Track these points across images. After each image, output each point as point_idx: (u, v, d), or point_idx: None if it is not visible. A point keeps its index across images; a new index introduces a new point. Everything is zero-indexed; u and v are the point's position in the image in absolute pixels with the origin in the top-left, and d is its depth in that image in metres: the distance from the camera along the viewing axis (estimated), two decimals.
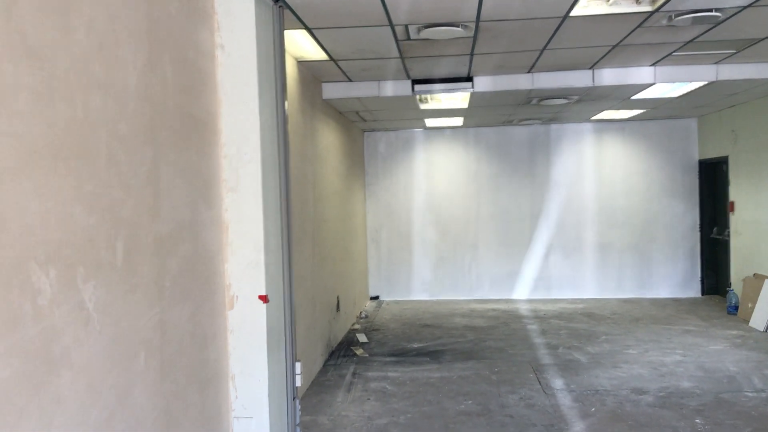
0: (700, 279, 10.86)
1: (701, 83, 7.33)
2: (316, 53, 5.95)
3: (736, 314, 9.13)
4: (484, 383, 6.29)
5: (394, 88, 7.35)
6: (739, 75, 7.03)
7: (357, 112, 8.85)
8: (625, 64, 6.96)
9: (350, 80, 7.29)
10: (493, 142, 11.18)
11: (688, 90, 7.78)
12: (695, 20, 5.05)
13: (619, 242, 11.00)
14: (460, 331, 8.69)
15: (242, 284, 4.11)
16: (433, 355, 7.45)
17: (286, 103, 4.57)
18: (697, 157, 10.85)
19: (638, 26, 5.30)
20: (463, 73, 7.08)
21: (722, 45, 6.12)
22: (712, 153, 10.28)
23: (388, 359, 7.29)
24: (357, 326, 9.02)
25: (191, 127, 3.66)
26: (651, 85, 7.25)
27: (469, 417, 5.37)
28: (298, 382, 4.59)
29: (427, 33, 5.22)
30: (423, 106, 8.53)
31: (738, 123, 9.35)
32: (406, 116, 9.42)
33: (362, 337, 8.34)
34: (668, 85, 7.53)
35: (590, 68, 7.09)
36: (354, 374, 6.72)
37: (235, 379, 4.11)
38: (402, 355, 7.45)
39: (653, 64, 6.99)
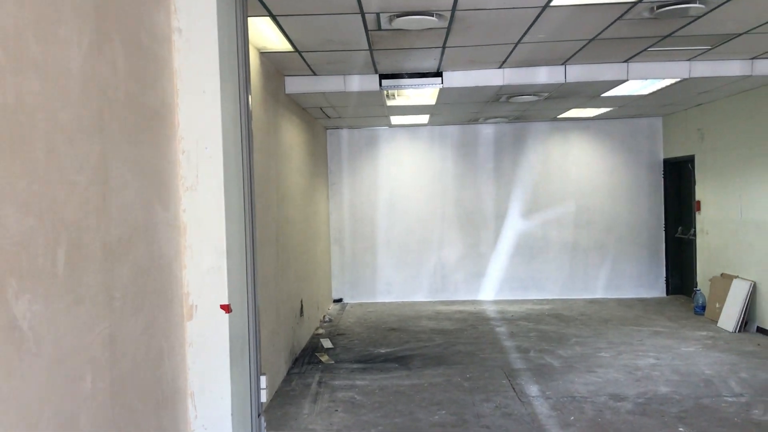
0: (665, 279, 10.81)
1: (674, 80, 7.20)
2: (280, 43, 5.60)
3: (703, 314, 9.07)
4: (457, 391, 6.02)
5: (360, 82, 7.04)
6: (712, 72, 6.91)
7: (321, 108, 8.51)
8: (598, 60, 6.78)
9: (315, 74, 6.95)
10: (458, 141, 10.95)
11: (660, 87, 7.65)
12: (678, 12, 4.86)
13: (585, 242, 10.89)
14: (427, 334, 8.42)
15: (202, 292, 3.75)
16: (401, 360, 7.16)
17: (250, 96, 4.22)
18: (662, 156, 10.79)
19: (619, 18, 5.10)
20: (433, 68, 6.80)
21: (698, 40, 5.97)
22: (678, 152, 10.23)
23: (355, 366, 6.97)
24: (321, 331, 8.68)
25: (145, 118, 3.29)
26: (623, 81, 7.09)
27: (444, 429, 5.09)
28: (264, 398, 4.24)
29: (399, 22, 4.92)
30: (390, 103, 8.23)
31: (704, 122, 9.29)
32: (372, 113, 9.12)
33: (327, 343, 8.00)
34: (640, 82, 7.38)
35: (562, 64, 6.89)
36: (320, 383, 6.39)
37: (194, 396, 3.75)
38: (369, 362, 7.15)
39: (626, 61, 6.83)
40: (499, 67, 6.90)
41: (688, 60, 6.85)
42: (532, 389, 6.00)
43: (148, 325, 3.24)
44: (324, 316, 9.51)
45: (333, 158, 10.97)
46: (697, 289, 9.34)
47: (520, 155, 10.91)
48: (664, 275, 10.81)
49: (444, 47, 5.86)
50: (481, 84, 7.03)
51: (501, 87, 7.20)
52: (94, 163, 2.67)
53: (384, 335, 8.44)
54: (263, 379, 4.24)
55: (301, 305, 7.84)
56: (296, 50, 5.85)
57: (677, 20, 5.22)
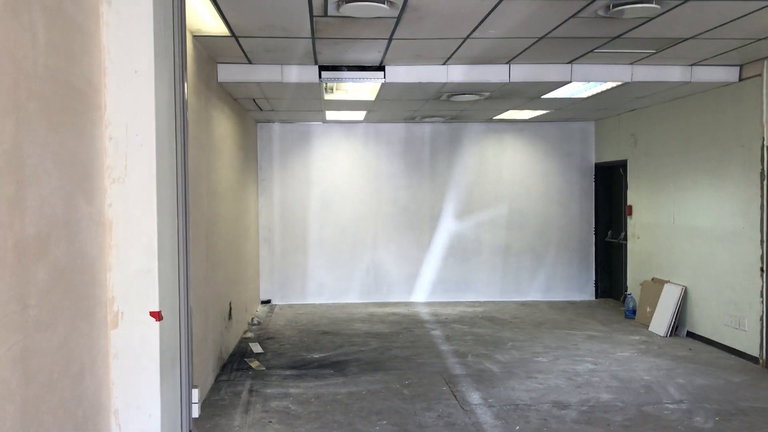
0: (594, 282, 10.90)
1: (615, 84, 7.17)
2: (216, 27, 5.20)
3: (634, 318, 9.16)
4: (397, 399, 5.76)
5: (299, 73, 6.68)
6: (654, 77, 6.92)
7: (254, 100, 8.09)
8: (543, 61, 6.67)
9: (251, 62, 6.55)
10: (394, 139, 10.71)
11: (600, 90, 7.63)
12: (634, 11, 4.75)
13: (518, 245, 10.86)
14: (362, 338, 8.13)
15: (129, 297, 3.34)
16: (336, 366, 6.84)
17: (186, 80, 3.82)
18: (593, 161, 10.88)
19: (573, 15, 4.95)
20: (376, 61, 6.52)
21: (644, 44, 5.92)
22: (609, 156, 10.32)
23: (287, 372, 6.61)
24: (249, 334, 8.26)
25: (68, 98, 2.87)
26: (566, 83, 7.01)
27: None
28: (195, 413, 3.86)
29: (347, 9, 4.62)
30: (327, 96, 7.90)
31: (638, 127, 9.39)
32: (307, 107, 8.76)
33: (256, 347, 7.60)
34: (580, 84, 7.33)
35: (507, 63, 6.74)
36: (251, 391, 6.00)
37: (118, 414, 3.33)
38: (303, 368, 6.80)
39: (570, 62, 6.74)
40: (443, 64, 6.68)
41: (631, 64, 6.82)
42: (474, 396, 5.81)
43: (68, 336, 2.83)
44: (252, 319, 9.08)
45: (263, 153, 10.54)
46: (628, 293, 9.43)
47: (456, 156, 10.78)
48: (594, 279, 10.91)
49: (391, 39, 5.59)
50: (424, 80, 6.80)
51: (444, 84, 6.99)
52: (7, 147, 2.26)
53: (316, 339, 8.10)
54: (195, 393, 3.86)
55: (230, 308, 7.41)
56: (233, 35, 5.44)
57: (629, 21, 5.13)
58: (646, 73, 6.90)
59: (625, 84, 7.18)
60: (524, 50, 6.16)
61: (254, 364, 6.90)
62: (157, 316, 3.38)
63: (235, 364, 6.94)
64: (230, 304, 7.42)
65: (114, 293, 3.35)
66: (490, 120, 10.43)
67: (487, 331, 8.46)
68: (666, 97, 8.15)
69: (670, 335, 8.13)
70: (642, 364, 6.85)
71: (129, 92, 3.34)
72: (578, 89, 7.61)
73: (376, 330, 8.59)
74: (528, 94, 7.75)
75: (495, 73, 6.80)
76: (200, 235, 5.79)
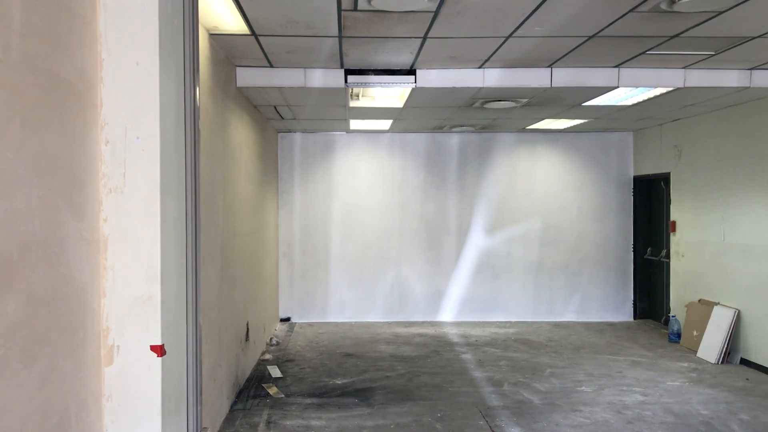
0: (632, 302, 10.27)
1: (665, 90, 6.61)
2: (234, 23, 4.73)
3: (679, 342, 8.52)
4: None
5: (323, 78, 6.20)
6: (708, 81, 6.34)
7: (275, 107, 7.62)
8: (588, 64, 6.13)
9: (272, 65, 6.08)
10: (421, 150, 10.20)
11: (647, 97, 7.07)
12: (700, 3, 4.21)
13: (551, 261, 10.27)
14: (387, 362, 7.59)
15: (126, 329, 2.85)
16: (361, 394, 6.30)
17: (198, 77, 3.34)
18: (632, 173, 10.28)
19: (631, 10, 4.42)
20: (407, 64, 6.03)
21: (703, 44, 5.37)
22: (649, 169, 9.72)
23: (308, 401, 6.08)
24: (268, 356, 7.75)
25: (52, 92, 2.40)
26: (612, 88, 6.46)
27: None
28: None
29: (380, 2, 4.13)
30: (353, 104, 7.42)
31: (682, 138, 8.79)
32: (331, 115, 8.28)
33: (275, 371, 7.08)
34: (627, 90, 6.78)
35: (548, 66, 6.21)
36: (269, 423, 5.48)
37: None
38: (325, 395, 6.27)
39: (618, 66, 6.20)
40: (480, 67, 6.17)
41: (684, 68, 6.27)
42: None
43: (46, 377, 2.33)
44: (271, 339, 8.57)
45: (284, 164, 10.08)
46: (672, 315, 8.79)
47: (486, 167, 10.24)
48: (632, 299, 10.28)
49: (425, 37, 5.08)
50: (459, 85, 6.29)
51: (479, 89, 6.47)
52: None
53: (339, 362, 7.57)
54: None
55: (247, 329, 6.91)
56: (253, 33, 4.97)
57: (691, 17, 4.58)
58: (700, 77, 6.33)
59: (676, 90, 6.61)
60: (569, 52, 5.63)
61: (272, 390, 6.38)
62: (159, 350, 2.88)
63: (252, 390, 6.43)
64: (247, 324, 6.92)
65: (108, 324, 2.86)
66: (523, 130, 9.89)
67: (522, 356, 7.87)
68: (716, 104, 7.56)
69: (722, 362, 7.49)
70: (697, 396, 6.23)
71: (129, 88, 2.87)
72: (623, 96, 7.05)
73: (402, 353, 8.04)
74: (569, 101, 7.21)
75: (535, 78, 6.27)
76: (215, 251, 5.30)
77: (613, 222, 10.28)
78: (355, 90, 7.06)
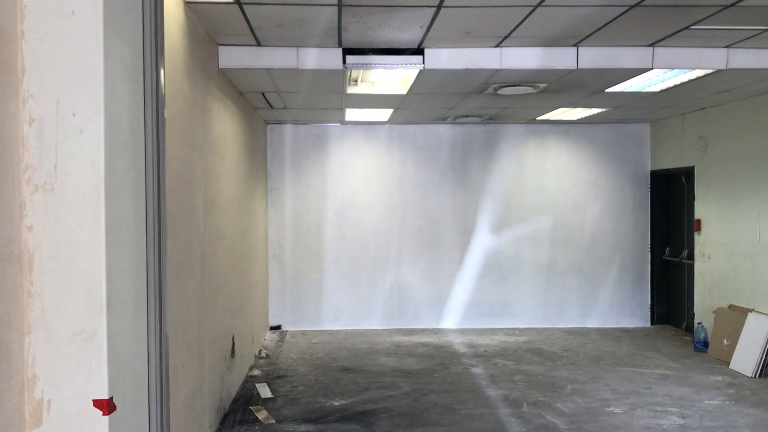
0: (650, 307, 9.55)
1: (703, 72, 5.87)
2: None
3: (706, 352, 7.81)
4: None
5: (318, 58, 5.43)
6: (754, 63, 5.61)
7: (263, 94, 6.83)
8: (618, 42, 5.40)
9: (259, 44, 5.30)
10: (422, 143, 9.44)
11: (680, 82, 6.33)
12: None
13: (563, 263, 9.53)
14: (389, 377, 6.83)
15: (60, 377, 2.09)
16: (362, 419, 5.54)
17: (163, 43, 2.56)
18: (649, 168, 9.56)
19: None
20: (413, 42, 5.26)
21: (759, 15, 4.62)
22: (669, 163, 9.00)
23: (303, 428, 5.32)
24: (256, 372, 6.97)
25: None
26: (646, 70, 5.71)
27: None
28: None
29: None
30: (350, 90, 6.64)
31: (708, 129, 8.07)
32: (325, 104, 7.49)
33: (265, 391, 6.31)
34: (658, 74, 6.04)
35: (574, 45, 5.47)
36: None
37: None
38: (321, 420, 5.50)
39: (652, 44, 5.46)
40: (497, 45, 5.41)
41: (727, 47, 5.54)
42: None
43: None
44: (259, 351, 7.79)
45: (274, 159, 9.29)
46: (698, 322, 8.07)
47: (492, 161, 9.48)
48: (649, 303, 9.56)
49: (440, 6, 4.31)
50: (473, 66, 5.53)
51: (496, 72, 5.71)
52: None
53: (336, 378, 6.80)
54: None
55: (233, 343, 6.13)
56: (237, 0, 4.19)
57: None
58: (744, 58, 5.60)
59: (714, 74, 5.88)
60: (601, 27, 4.89)
61: (262, 415, 5.61)
62: (105, 406, 2.12)
63: (238, 414, 5.65)
64: (233, 338, 6.14)
65: (35, 371, 2.10)
66: (532, 121, 9.14)
67: (537, 369, 7.13)
68: (751, 91, 6.84)
69: (759, 375, 6.78)
70: (742, 418, 5.51)
71: (63, 46, 2.09)
72: (652, 81, 6.32)
73: (405, 366, 7.28)
74: (592, 85, 6.46)
75: (560, 58, 5.52)
76: (194, 258, 4.52)
77: (629, 220, 9.55)
78: (354, 74, 6.28)
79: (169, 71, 3.86)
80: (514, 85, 6.34)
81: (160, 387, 2.56)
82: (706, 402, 5.96)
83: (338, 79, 6.06)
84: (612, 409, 5.77)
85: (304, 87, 6.39)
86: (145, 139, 2.47)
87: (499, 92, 6.58)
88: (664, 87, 6.58)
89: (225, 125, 5.88)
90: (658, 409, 5.77)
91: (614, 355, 7.78)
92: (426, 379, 6.74)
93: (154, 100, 2.53)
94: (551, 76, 5.94)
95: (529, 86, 6.37)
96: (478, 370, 7.09)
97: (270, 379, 6.74)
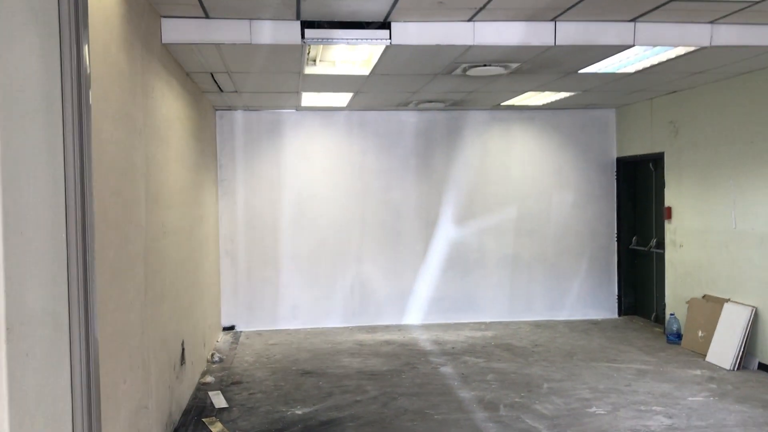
0: (617, 297, 9.30)
1: (686, 50, 5.54)
2: None
3: (679, 344, 7.56)
4: None
5: (274, 32, 4.89)
6: (739, 40, 5.30)
7: (212, 75, 6.25)
8: (599, 16, 5.02)
9: (208, 15, 4.73)
10: (382, 131, 8.96)
11: (657, 62, 6.00)
12: None
13: (528, 254, 9.19)
14: (354, 380, 6.35)
15: None
16: (328, 430, 5.06)
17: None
18: (614, 155, 9.29)
19: None
20: (379, 15, 4.78)
21: None
22: (636, 149, 8.73)
23: None
24: (209, 378, 6.41)
25: None
26: (627, 47, 5.35)
27: None
28: None
29: None
30: (308, 70, 6.11)
31: (679, 113, 7.80)
32: (280, 87, 6.94)
33: (219, 400, 5.76)
34: (637, 52, 5.69)
35: (552, 20, 5.06)
36: None
37: None
38: None
39: (634, 19, 5.10)
40: (470, 19, 4.97)
41: (711, 22, 5.21)
42: None
43: None
44: (212, 355, 7.22)
45: (224, 147, 8.68)
46: (671, 313, 7.81)
47: (455, 150, 9.07)
48: (617, 293, 9.30)
49: None
50: (444, 42, 5.07)
51: (468, 48, 5.27)
52: None
53: (296, 383, 6.29)
54: None
55: (182, 349, 5.56)
56: None
57: None
58: (729, 35, 5.28)
59: (696, 51, 5.55)
60: (580, 0, 4.49)
61: (216, 428, 5.07)
62: None
63: (190, 428, 5.11)
64: (182, 343, 5.57)
65: None
66: (497, 107, 8.76)
67: (509, 366, 6.76)
68: (728, 72, 6.57)
69: (737, 368, 6.54)
70: (730, 416, 5.22)
71: None
72: (629, 60, 5.97)
73: (370, 367, 6.81)
74: (567, 65, 6.07)
75: (537, 34, 5.11)
76: (134, 258, 3.95)
77: (594, 209, 9.27)
78: (312, 53, 5.76)
79: (103, 41, 3.29)
80: (485, 65, 5.90)
81: (88, 419, 2.05)
82: (690, 399, 5.66)
83: (295, 57, 5.52)
84: (594, 409, 5.42)
85: (257, 66, 5.84)
86: (63, 118, 1.94)
87: (469, 73, 6.14)
88: (640, 68, 6.25)
89: (170, 108, 5.29)
90: (642, 408, 5.44)
91: (586, 349, 7.47)
92: (393, 381, 6.29)
93: (74, 63, 2.00)
94: (526, 54, 5.52)
95: (501, 66, 5.95)
96: (447, 370, 6.68)
97: (224, 386, 6.19)
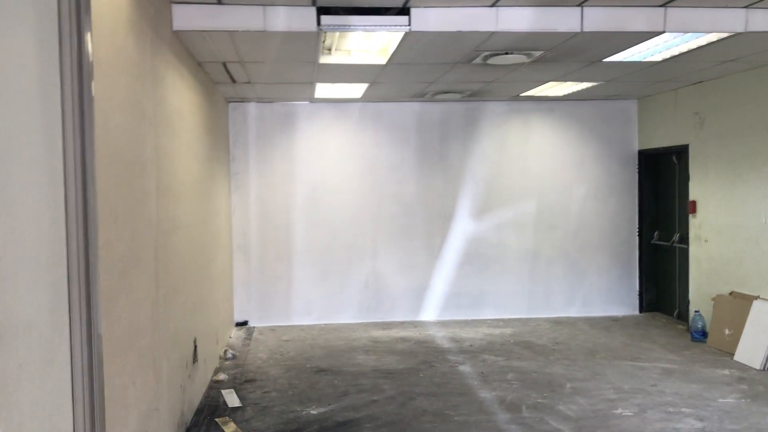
0: (638, 293, 9.06)
1: (718, 36, 5.30)
2: None
3: (705, 342, 7.33)
4: None
5: (289, 18, 4.70)
6: None
7: (224, 65, 6.07)
8: (627, 2, 4.78)
9: (220, 2, 4.55)
10: (397, 123, 8.76)
11: (687, 49, 5.76)
12: None
13: (548, 249, 8.98)
14: (370, 379, 6.18)
15: None
16: (345, 431, 4.89)
17: None
18: (636, 147, 9.04)
19: None
20: (398, 0, 4.57)
21: None
22: (660, 141, 8.48)
23: None
24: (222, 377, 6.25)
25: None
26: (657, 33, 5.12)
27: None
28: None
29: None
30: (323, 60, 5.92)
31: (705, 104, 7.55)
32: (294, 77, 6.76)
33: (232, 398, 5.60)
34: (663, 40, 5.45)
35: (578, 5, 4.83)
36: None
37: None
38: None
39: (665, 4, 4.86)
40: (493, 5, 4.75)
41: (745, 7, 4.96)
42: None
43: None
44: (225, 351, 7.06)
45: (237, 140, 8.51)
46: (696, 310, 7.57)
47: (472, 142, 8.86)
48: (638, 289, 9.07)
49: None
50: (465, 29, 4.86)
51: (490, 36, 5.06)
52: None
53: (311, 381, 6.13)
54: None
55: (195, 347, 5.40)
56: None
57: None
58: (765, 19, 5.04)
59: (729, 38, 5.31)
60: None
61: (229, 428, 4.91)
62: None
63: (202, 429, 4.95)
64: (195, 341, 5.42)
65: None
66: (516, 97, 8.53)
67: (530, 365, 6.56)
68: (761, 60, 6.32)
69: (767, 368, 6.31)
70: (764, 419, 5.00)
71: None
72: (657, 47, 5.73)
73: (386, 365, 6.64)
74: (592, 53, 5.84)
75: (563, 19, 4.89)
76: (144, 253, 3.78)
77: (615, 202, 9.03)
78: (327, 42, 5.57)
79: (109, 26, 3.12)
80: (507, 53, 5.69)
81: (91, 426, 1.88)
82: (720, 400, 5.44)
83: (311, 46, 5.33)
84: (620, 411, 5.21)
85: (271, 55, 5.65)
86: (63, 108, 1.76)
87: (489, 62, 5.92)
88: (668, 56, 6.01)
89: (181, 98, 5.12)
90: (671, 410, 5.23)
91: (608, 347, 7.25)
92: (411, 381, 6.11)
93: (75, 57, 1.82)
94: (551, 41, 5.30)
95: (523, 54, 5.73)
96: (466, 368, 6.49)
97: (237, 384, 6.03)
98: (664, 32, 5.04)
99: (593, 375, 6.20)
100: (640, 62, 6.28)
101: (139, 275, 3.63)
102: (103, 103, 2.95)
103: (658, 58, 6.12)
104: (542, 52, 5.67)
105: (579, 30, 4.93)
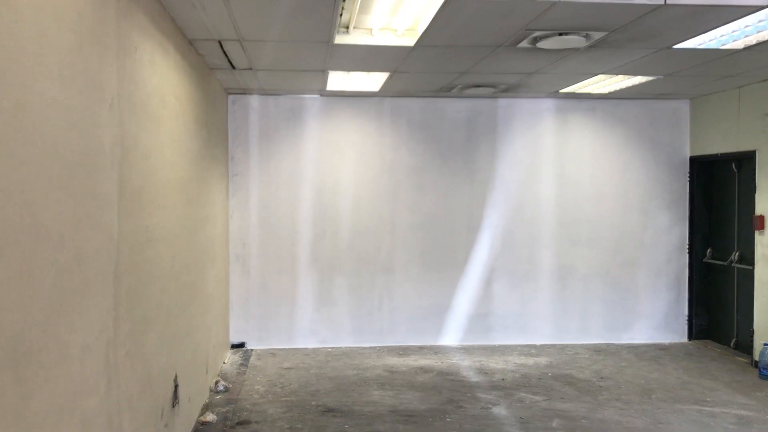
0: (687, 318, 8.02)
1: None
2: None
3: None
4: None
5: None
6: None
7: (220, 44, 5.06)
8: None
9: None
10: (417, 121, 7.75)
11: None
12: None
13: (585, 266, 7.94)
14: (388, 424, 5.15)
15: None
16: None
17: None
18: (687, 153, 8.01)
19: None
20: None
21: None
22: (717, 147, 7.45)
23: None
24: (210, 417, 5.22)
25: None
26: (762, 8, 4.09)
27: None
28: None
29: None
30: (339, 39, 4.91)
31: None
32: (303, 62, 5.75)
33: None
34: (758, 19, 4.43)
35: None
36: None
37: None
38: None
39: None
40: None
41: None
42: None
43: None
44: (216, 383, 6.04)
45: (237, 137, 7.51)
46: (765, 342, 6.53)
47: (502, 144, 7.84)
48: (687, 314, 8.02)
49: None
50: None
51: (552, 5, 4.03)
52: None
53: (317, 426, 5.10)
54: None
55: (175, 386, 4.39)
56: None
57: None
58: None
59: None
60: None
61: None
62: None
63: None
64: (175, 378, 4.40)
65: None
66: (554, 94, 7.52)
67: (576, 408, 5.52)
68: None
69: None
70: None
71: None
72: (744, 30, 4.71)
73: (406, 405, 5.60)
74: (666, 36, 4.81)
75: None
76: (102, 276, 2.77)
77: (663, 215, 8.00)
78: (345, 16, 4.56)
79: None
80: (562, 33, 4.66)
81: None
82: None
83: (325, 19, 4.32)
84: None
85: (276, 31, 4.64)
86: None
87: (539, 44, 4.90)
88: (754, 41, 4.98)
89: (163, 80, 4.12)
90: None
91: (664, 384, 6.21)
92: (437, 427, 5.07)
93: None
94: (622, 17, 4.27)
95: (582, 36, 4.70)
96: (501, 411, 5.46)
97: (228, 429, 5.01)
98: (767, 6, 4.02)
99: (655, 424, 5.16)
100: (716, 50, 5.25)
101: (85, 311, 2.62)
102: (27, 66, 1.96)
103: (739, 45, 5.10)
104: (605, 33, 4.65)
105: (662, 2, 3.91)
